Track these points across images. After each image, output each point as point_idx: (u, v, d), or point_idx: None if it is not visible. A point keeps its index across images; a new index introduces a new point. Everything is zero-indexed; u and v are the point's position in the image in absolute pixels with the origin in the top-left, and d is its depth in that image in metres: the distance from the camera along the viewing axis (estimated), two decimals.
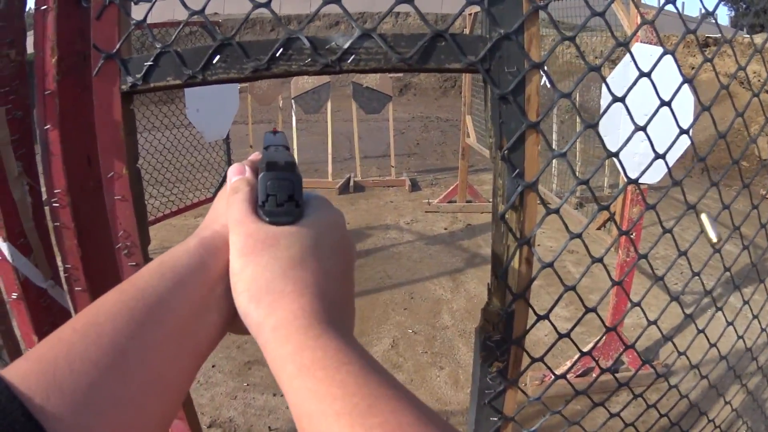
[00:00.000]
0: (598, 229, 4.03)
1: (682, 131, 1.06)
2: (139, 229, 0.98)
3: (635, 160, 2.51)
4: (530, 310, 0.93)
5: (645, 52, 2.63)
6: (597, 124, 0.93)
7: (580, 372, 3.55)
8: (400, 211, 7.47)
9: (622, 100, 0.93)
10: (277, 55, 0.83)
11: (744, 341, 1.55)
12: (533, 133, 0.84)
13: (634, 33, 1.00)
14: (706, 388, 1.58)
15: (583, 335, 3.85)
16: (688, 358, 1.36)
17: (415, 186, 8.60)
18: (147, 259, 1.00)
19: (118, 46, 0.88)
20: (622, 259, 3.28)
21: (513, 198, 0.85)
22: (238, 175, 0.69)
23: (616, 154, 0.97)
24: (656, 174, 2.49)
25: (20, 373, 0.46)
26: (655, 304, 4.14)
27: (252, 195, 0.65)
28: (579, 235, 0.94)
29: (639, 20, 3.15)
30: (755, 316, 1.55)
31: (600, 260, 0.98)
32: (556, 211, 0.89)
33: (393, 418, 0.46)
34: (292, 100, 8.29)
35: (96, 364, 0.48)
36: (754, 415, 2.73)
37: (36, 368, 0.47)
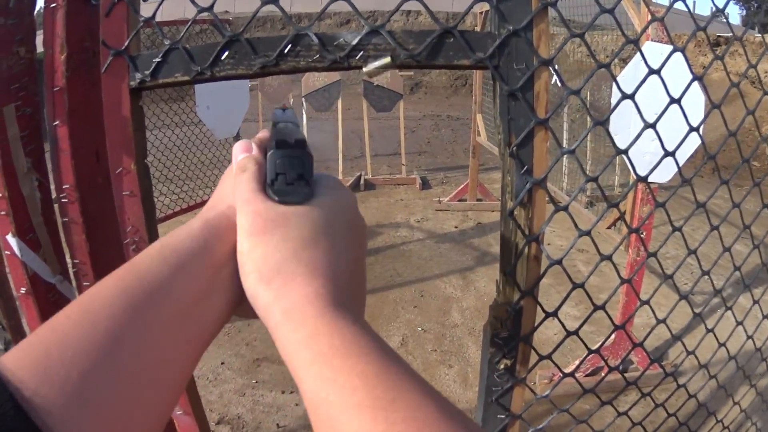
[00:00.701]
0: (609, 228, 4.02)
1: (692, 129, 1.05)
2: (147, 224, 0.98)
3: (646, 159, 2.50)
4: (538, 308, 0.93)
5: (656, 51, 2.62)
6: (606, 121, 0.92)
7: (589, 371, 3.55)
8: (411, 209, 7.47)
9: (631, 97, 0.93)
10: (286, 51, 0.83)
11: (753, 341, 1.54)
12: (542, 129, 0.84)
13: (644, 30, 1.00)
14: (715, 388, 1.58)
15: (593, 334, 3.85)
16: (696, 357, 1.35)
17: (425, 184, 8.60)
18: None
19: (126, 43, 0.89)
20: (632, 258, 3.27)
21: (521, 195, 0.85)
22: (244, 153, 0.67)
23: (625, 152, 0.96)
24: (667, 173, 2.48)
25: (12, 364, 0.45)
26: (665, 304, 4.12)
27: (260, 173, 0.63)
28: (588, 233, 0.93)
29: (649, 18, 3.14)
30: (765, 316, 1.55)
31: (609, 258, 0.98)
32: (565, 209, 0.89)
33: (417, 414, 0.45)
34: (303, 98, 8.29)
35: (89, 354, 0.47)
36: (764, 416, 2.72)
37: (28, 359, 0.46)
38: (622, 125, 2.82)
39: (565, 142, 7.10)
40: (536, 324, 0.94)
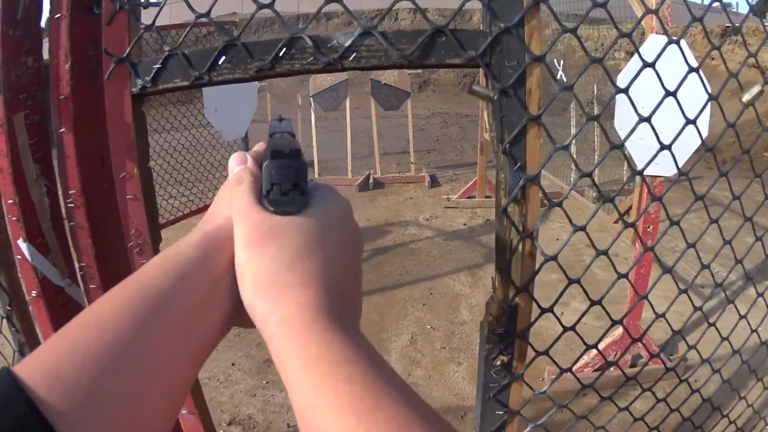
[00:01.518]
0: (616, 222, 4.02)
1: (689, 122, 1.06)
2: (150, 227, 1.00)
3: (651, 152, 2.50)
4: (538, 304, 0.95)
5: (661, 43, 2.60)
6: (599, 117, 0.93)
7: (597, 366, 3.55)
8: (420, 207, 7.49)
9: (625, 91, 0.94)
10: (281, 54, 0.85)
11: (758, 335, 1.54)
12: (535, 126, 0.85)
13: (638, 23, 1.01)
14: (722, 382, 1.58)
15: (601, 329, 3.83)
16: (698, 352, 1.36)
17: (434, 182, 8.60)
18: None
19: (128, 50, 0.91)
20: (641, 251, 3.27)
21: (515, 191, 0.86)
22: (240, 165, 0.68)
23: (621, 146, 0.97)
24: (672, 166, 2.48)
25: (27, 369, 0.47)
26: (679, 298, 4.08)
27: (255, 185, 0.64)
28: (583, 228, 0.94)
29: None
30: (743, 317, 1.54)
31: (605, 253, 0.99)
32: (559, 204, 0.90)
33: (399, 416, 0.46)
34: (311, 98, 8.30)
35: (98, 360, 0.49)
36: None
37: (41, 364, 0.48)
38: (627, 119, 2.81)
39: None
40: (533, 320, 0.96)
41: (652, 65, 0.97)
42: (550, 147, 0.89)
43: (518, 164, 0.85)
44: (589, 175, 0.93)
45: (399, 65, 0.84)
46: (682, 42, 2.14)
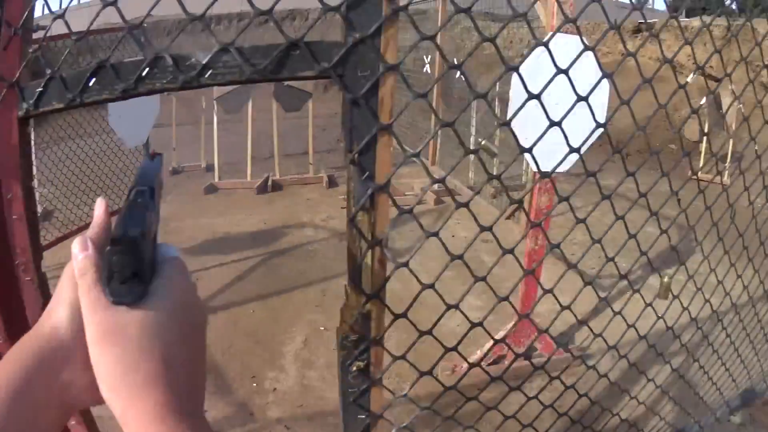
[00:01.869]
0: (508, 218, 4.11)
1: (553, 123, 1.11)
2: (32, 246, 1.03)
3: (544, 149, 2.57)
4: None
5: (559, 43, 2.66)
6: (453, 123, 0.98)
7: (491, 361, 3.64)
8: (317, 208, 7.53)
9: (483, 96, 0.97)
10: (144, 74, 0.88)
11: (637, 330, 1.60)
12: (385, 135, 0.87)
13: (504, 26, 1.05)
14: (600, 377, 1.65)
15: (495, 323, 3.90)
16: (569, 350, 1.44)
17: (332, 183, 8.61)
18: (40, 274, 1.07)
19: (17, 75, 0.94)
20: (531, 247, 3.37)
21: (362, 201, 0.89)
22: (82, 252, 0.67)
23: (475, 152, 1.03)
24: (565, 163, 2.56)
25: None
26: (570, 289, 4.19)
27: (99, 275, 0.64)
28: (436, 234, 0.98)
29: (555, 11, 3.19)
30: (648, 304, 1.61)
31: (460, 257, 1.03)
32: (410, 212, 0.95)
33: None
34: (214, 101, 8.19)
35: None
36: (665, 408, 2.84)
37: None
38: (521, 121, 2.90)
39: (472, 138, 7.22)
40: (387, 326, 1.01)
41: (516, 69, 1.02)
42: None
43: (366, 174, 0.88)
44: (442, 181, 0.97)
45: (253, 80, 0.86)
46: (562, 43, 2.20)
